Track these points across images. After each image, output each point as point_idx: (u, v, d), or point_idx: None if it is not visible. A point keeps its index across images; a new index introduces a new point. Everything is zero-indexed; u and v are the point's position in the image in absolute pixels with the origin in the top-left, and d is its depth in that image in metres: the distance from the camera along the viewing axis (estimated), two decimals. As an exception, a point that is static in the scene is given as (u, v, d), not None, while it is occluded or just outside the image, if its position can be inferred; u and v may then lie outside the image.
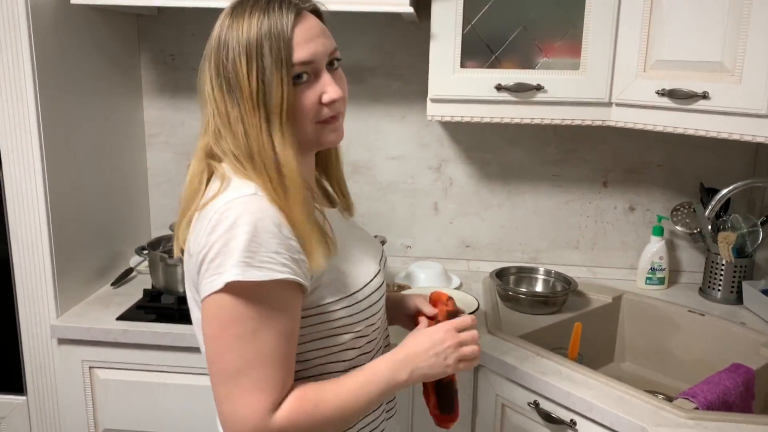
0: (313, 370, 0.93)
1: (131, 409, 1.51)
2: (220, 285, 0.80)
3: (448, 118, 1.57)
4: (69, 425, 1.54)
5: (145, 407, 1.50)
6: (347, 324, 0.92)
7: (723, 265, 1.71)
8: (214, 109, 0.89)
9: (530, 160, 1.87)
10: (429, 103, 1.57)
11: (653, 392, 1.31)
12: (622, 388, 1.23)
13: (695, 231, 1.78)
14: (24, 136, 1.42)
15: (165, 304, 1.56)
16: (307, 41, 0.86)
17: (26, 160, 1.44)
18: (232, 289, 0.80)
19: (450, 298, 1.05)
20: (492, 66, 1.54)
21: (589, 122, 1.54)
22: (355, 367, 0.94)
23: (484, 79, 1.52)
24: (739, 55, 1.30)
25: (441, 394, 1.02)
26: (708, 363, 1.54)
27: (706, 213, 1.50)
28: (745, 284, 1.69)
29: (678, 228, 1.80)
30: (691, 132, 1.40)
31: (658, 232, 1.78)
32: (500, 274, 1.73)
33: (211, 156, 0.91)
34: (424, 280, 1.73)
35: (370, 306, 0.94)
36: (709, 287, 1.74)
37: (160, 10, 1.84)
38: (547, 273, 1.76)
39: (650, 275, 1.78)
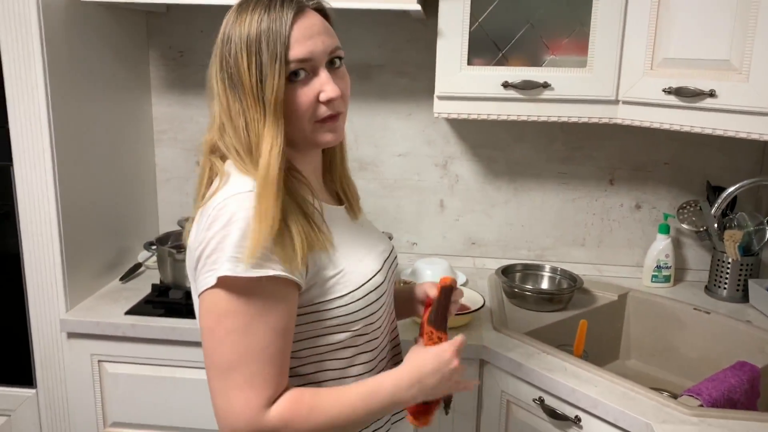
0: (309, 367, 0.93)
1: (139, 402, 1.53)
2: (213, 280, 0.82)
3: (454, 116, 1.58)
4: (78, 418, 1.56)
5: (153, 401, 1.52)
6: (344, 323, 0.91)
7: (729, 263, 1.70)
8: (218, 103, 0.90)
9: (537, 157, 1.87)
10: (436, 101, 1.57)
11: (658, 389, 1.32)
12: (627, 385, 1.24)
13: (702, 229, 1.78)
14: (35, 132, 1.44)
15: (173, 299, 1.57)
16: (306, 39, 0.86)
17: (37, 156, 1.45)
18: (225, 284, 0.82)
19: (453, 281, 1.03)
20: (499, 63, 1.55)
21: (595, 120, 1.54)
22: (354, 365, 0.94)
23: (491, 77, 1.53)
24: (747, 53, 1.30)
25: None
26: (713, 361, 1.54)
27: (713, 211, 1.50)
28: (751, 282, 1.69)
29: (684, 226, 1.80)
30: (697, 130, 1.40)
31: (665, 230, 1.78)
32: (506, 271, 1.74)
33: (214, 151, 0.92)
34: (430, 276, 1.73)
35: (369, 305, 0.93)
36: (715, 285, 1.74)
37: (169, 8, 1.85)
38: (553, 270, 1.77)
39: (656, 273, 1.78)
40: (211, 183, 0.91)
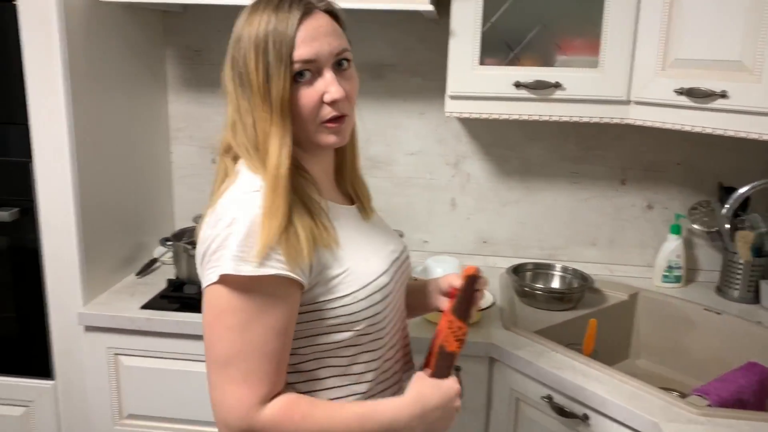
0: (311, 363, 0.94)
1: (154, 395, 1.56)
2: (215, 277, 0.84)
3: (466, 115, 1.59)
4: (94, 409, 1.59)
5: (168, 393, 1.55)
6: (346, 322, 0.91)
7: (741, 264, 1.70)
8: (230, 102, 0.91)
9: (549, 156, 1.87)
10: (447, 100, 1.58)
11: (668, 389, 1.32)
12: (635, 384, 1.24)
13: (713, 230, 1.78)
14: (55, 129, 1.47)
15: (188, 294, 1.60)
16: (312, 40, 0.87)
17: (57, 153, 1.48)
18: (227, 281, 0.83)
19: (477, 269, 1.01)
20: (511, 63, 1.55)
21: (607, 120, 1.54)
22: (356, 363, 0.95)
23: (502, 77, 1.54)
24: (759, 54, 1.29)
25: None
26: (724, 361, 1.54)
27: (724, 212, 1.50)
28: (762, 284, 1.68)
29: (696, 227, 1.80)
30: (709, 131, 1.40)
31: (676, 230, 1.78)
32: (517, 270, 1.75)
33: (228, 151, 0.94)
34: (441, 274, 1.73)
35: (372, 306, 0.92)
36: (726, 286, 1.74)
37: (186, 7, 1.88)
38: (564, 269, 1.77)
39: (667, 273, 1.78)
40: (222, 183, 0.93)
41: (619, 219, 1.89)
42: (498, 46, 1.54)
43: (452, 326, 0.97)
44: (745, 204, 1.72)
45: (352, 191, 1.06)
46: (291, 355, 0.91)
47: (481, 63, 1.54)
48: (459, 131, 1.89)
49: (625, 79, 1.50)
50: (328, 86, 0.88)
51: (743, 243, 1.64)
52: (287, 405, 0.86)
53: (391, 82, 1.87)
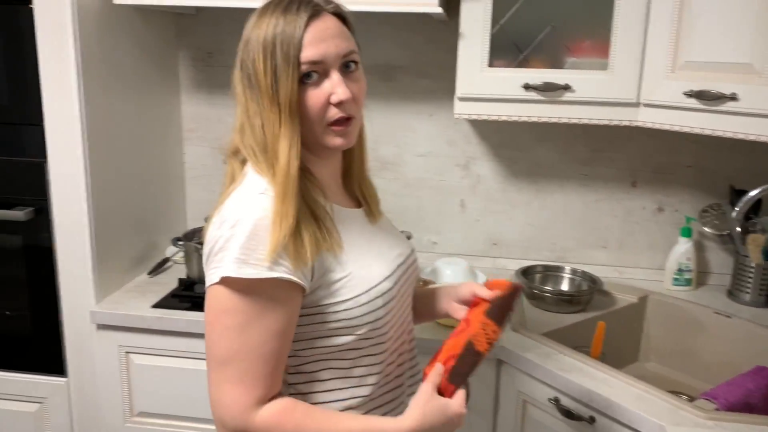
0: (313, 365, 0.94)
1: (165, 393, 1.57)
2: (216, 278, 0.85)
3: (475, 117, 1.59)
4: (106, 406, 1.61)
5: (178, 392, 1.56)
6: (348, 326, 0.91)
7: (752, 267, 1.69)
8: (239, 104, 0.92)
9: (559, 158, 1.87)
10: (457, 102, 1.59)
11: (677, 393, 1.31)
12: (642, 387, 1.24)
13: (724, 233, 1.77)
14: (69, 130, 1.49)
15: (199, 294, 1.61)
16: (319, 41, 0.87)
17: (71, 154, 1.51)
18: (228, 283, 0.85)
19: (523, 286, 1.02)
20: (520, 65, 1.56)
21: (616, 122, 1.54)
22: (358, 366, 0.95)
23: (512, 79, 1.54)
24: (769, 56, 1.29)
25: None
26: (734, 365, 1.52)
27: (735, 215, 1.49)
28: (774, 287, 1.67)
29: (707, 229, 1.79)
30: (719, 133, 1.39)
31: (687, 233, 1.77)
32: (526, 272, 1.75)
33: (236, 153, 0.94)
34: (450, 276, 1.75)
35: (374, 310, 0.92)
36: (737, 289, 1.73)
37: (199, 10, 1.90)
38: (573, 272, 1.77)
39: (677, 276, 1.77)
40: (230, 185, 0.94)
41: (630, 221, 1.88)
42: (507, 48, 1.55)
43: (486, 328, 0.97)
44: (756, 207, 1.71)
45: (360, 194, 1.06)
46: (293, 356, 0.92)
47: (491, 65, 1.54)
48: (468, 133, 1.89)
49: (635, 81, 1.49)
50: (334, 87, 0.89)
51: (754, 246, 1.63)
52: (282, 411, 0.87)
53: (401, 83, 1.88)
